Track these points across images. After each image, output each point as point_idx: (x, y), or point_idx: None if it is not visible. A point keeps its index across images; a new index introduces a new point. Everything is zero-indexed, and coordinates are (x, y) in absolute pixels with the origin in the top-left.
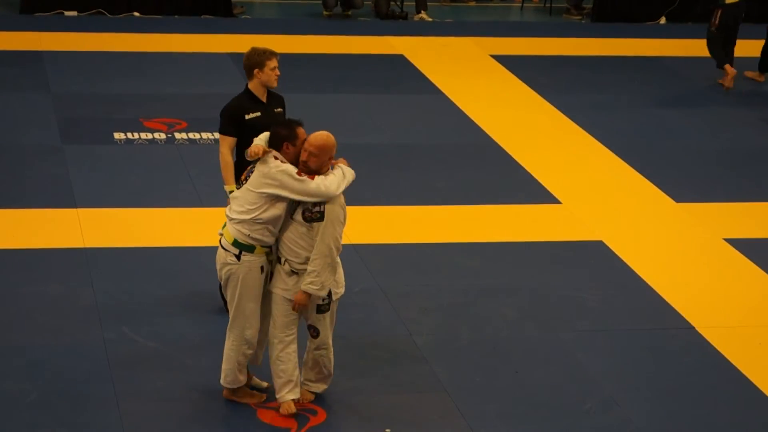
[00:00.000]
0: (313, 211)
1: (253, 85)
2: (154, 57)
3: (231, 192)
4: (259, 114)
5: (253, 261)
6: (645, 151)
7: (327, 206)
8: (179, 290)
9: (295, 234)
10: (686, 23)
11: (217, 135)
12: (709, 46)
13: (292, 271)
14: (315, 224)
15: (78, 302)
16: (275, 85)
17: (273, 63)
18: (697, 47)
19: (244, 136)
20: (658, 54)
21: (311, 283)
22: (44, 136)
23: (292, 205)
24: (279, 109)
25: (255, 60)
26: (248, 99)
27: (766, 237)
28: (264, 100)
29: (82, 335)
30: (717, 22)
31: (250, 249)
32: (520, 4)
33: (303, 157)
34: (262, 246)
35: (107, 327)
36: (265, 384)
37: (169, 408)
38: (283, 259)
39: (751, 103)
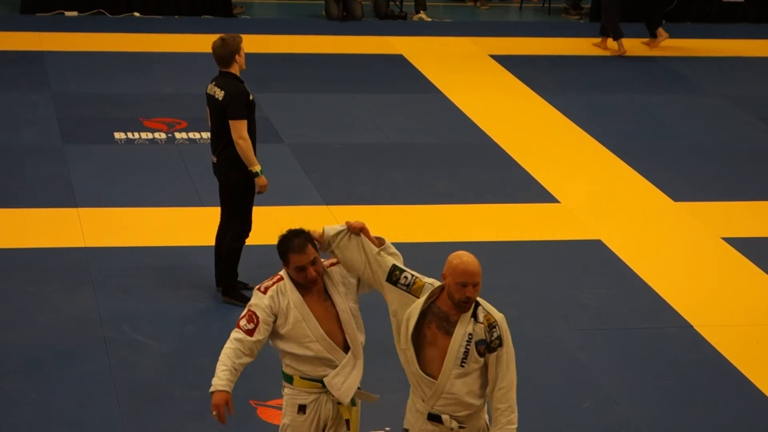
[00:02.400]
0: (492, 339)
1: (234, 70)
2: (154, 57)
3: (261, 171)
4: (251, 95)
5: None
6: (643, 150)
7: (500, 323)
8: (179, 289)
9: (468, 382)
10: (685, 23)
11: None
12: (606, 15)
13: (461, 426)
14: (493, 354)
15: (78, 302)
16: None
17: (243, 44)
18: (696, 47)
19: (249, 118)
20: (657, 53)
21: (510, 422)
22: (44, 136)
23: (457, 354)
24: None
25: (234, 46)
26: (241, 82)
27: (764, 236)
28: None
29: (82, 334)
30: None
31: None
32: (519, 4)
33: (468, 293)
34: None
35: (107, 326)
36: None
37: (170, 407)
38: (446, 417)
39: (750, 103)
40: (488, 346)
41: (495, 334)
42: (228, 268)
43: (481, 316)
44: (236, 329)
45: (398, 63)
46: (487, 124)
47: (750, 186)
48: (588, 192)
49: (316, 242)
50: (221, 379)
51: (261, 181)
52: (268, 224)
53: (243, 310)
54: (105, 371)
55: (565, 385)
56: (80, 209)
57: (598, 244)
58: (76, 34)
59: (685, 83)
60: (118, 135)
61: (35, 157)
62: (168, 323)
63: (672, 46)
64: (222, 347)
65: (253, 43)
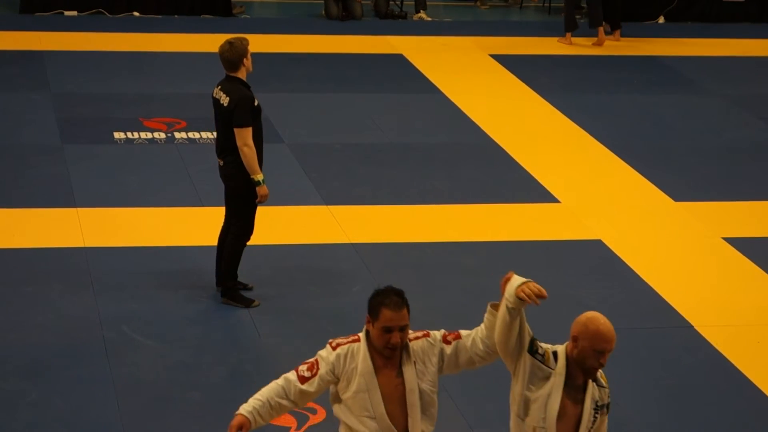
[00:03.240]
0: (609, 401)
1: (241, 74)
2: (153, 56)
3: (263, 180)
4: (257, 99)
5: None
6: (644, 150)
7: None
8: (179, 290)
9: None
10: (685, 22)
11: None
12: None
13: None
14: (605, 415)
15: (78, 302)
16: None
17: (249, 48)
18: (696, 46)
19: (254, 124)
20: (657, 53)
21: None
22: (44, 136)
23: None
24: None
25: (242, 49)
26: (246, 87)
27: (764, 236)
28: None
29: (82, 334)
30: None
31: None
32: (519, 4)
33: (604, 360)
34: None
35: (107, 326)
36: None
37: (169, 407)
38: None
39: (750, 103)
40: (607, 407)
41: (609, 395)
42: (228, 269)
43: (600, 379)
44: (293, 370)
45: (398, 63)
46: (487, 124)
47: (750, 186)
48: (588, 192)
49: (502, 283)
50: (248, 405)
51: (262, 190)
52: (268, 225)
53: (242, 310)
54: (105, 371)
55: None
56: (80, 209)
57: (598, 244)
58: (76, 33)
59: (686, 83)
60: (118, 135)
61: (35, 157)
62: (168, 323)
63: (671, 45)
64: (221, 345)
65: (252, 43)
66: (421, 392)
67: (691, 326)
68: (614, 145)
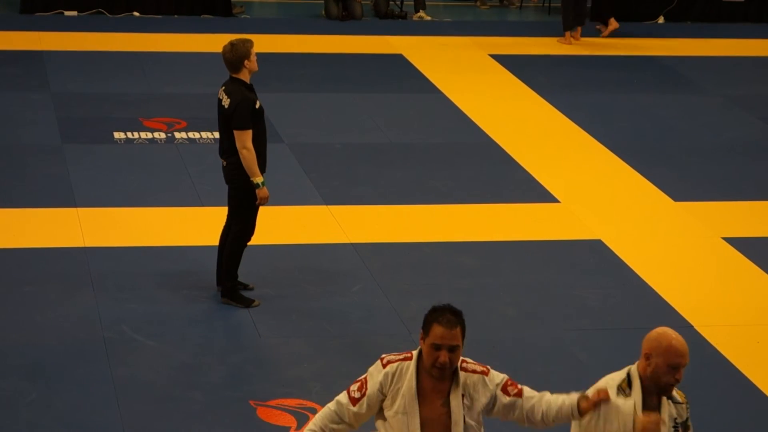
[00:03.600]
0: (689, 417)
1: (243, 75)
2: (153, 57)
3: (262, 183)
4: (259, 101)
5: None
6: (644, 150)
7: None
8: (179, 290)
9: None
10: (685, 22)
11: (216, 135)
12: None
13: None
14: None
15: (78, 302)
16: (257, 69)
17: (254, 49)
18: (696, 46)
19: (255, 126)
20: (657, 53)
21: None
22: (44, 136)
23: None
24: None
25: (243, 51)
26: (248, 89)
27: (764, 236)
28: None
29: (82, 335)
30: None
31: None
32: (519, 4)
33: (680, 375)
34: None
35: (107, 327)
36: None
37: (170, 407)
38: None
39: (750, 103)
40: (687, 424)
41: (688, 411)
42: (228, 269)
43: (675, 395)
44: (345, 391)
45: (398, 63)
46: (487, 124)
47: (750, 186)
48: (588, 192)
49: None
50: None
51: (262, 193)
52: (268, 225)
53: (242, 310)
54: (105, 371)
55: (565, 384)
56: (80, 209)
57: (598, 243)
58: (76, 33)
59: (686, 83)
60: (118, 135)
61: (35, 157)
62: (167, 323)
63: (671, 45)
64: (221, 346)
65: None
66: (466, 426)
67: (691, 326)
68: (614, 145)
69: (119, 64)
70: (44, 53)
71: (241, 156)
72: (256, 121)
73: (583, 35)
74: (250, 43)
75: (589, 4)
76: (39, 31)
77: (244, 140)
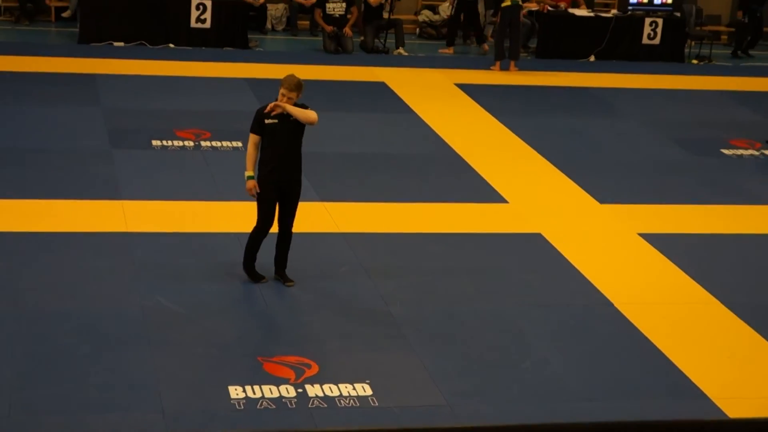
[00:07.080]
0: None
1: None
2: (185, 80)
3: (250, 177)
4: (276, 122)
5: None
6: (576, 162)
7: None
8: (202, 267)
9: None
10: (611, 60)
11: (235, 143)
12: (495, 39)
13: None
14: None
15: (121, 276)
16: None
17: (281, 90)
18: (620, 80)
19: (264, 138)
20: (589, 85)
21: None
22: (96, 143)
23: None
24: (292, 119)
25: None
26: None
27: (671, 232)
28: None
29: (124, 303)
30: (498, 20)
31: None
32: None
33: None
34: None
35: (144, 296)
36: None
37: (193, 361)
38: None
39: (662, 126)
40: None
41: None
42: (245, 253)
43: None
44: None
45: (381, 89)
46: (450, 138)
47: (662, 192)
48: (531, 194)
49: None
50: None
51: (247, 183)
52: None
53: (253, 285)
54: (142, 332)
55: (509, 348)
56: (124, 201)
57: (538, 236)
58: (123, 60)
59: (612, 109)
60: (155, 142)
61: (89, 159)
62: (194, 294)
63: (599, 78)
64: (235, 313)
65: (265, 70)
66: None
67: (611, 303)
68: (552, 157)
69: (157, 85)
70: (97, 76)
71: None
72: (263, 133)
73: (526, 69)
74: (281, 82)
75: (533, 44)
76: (93, 58)
77: (249, 140)
